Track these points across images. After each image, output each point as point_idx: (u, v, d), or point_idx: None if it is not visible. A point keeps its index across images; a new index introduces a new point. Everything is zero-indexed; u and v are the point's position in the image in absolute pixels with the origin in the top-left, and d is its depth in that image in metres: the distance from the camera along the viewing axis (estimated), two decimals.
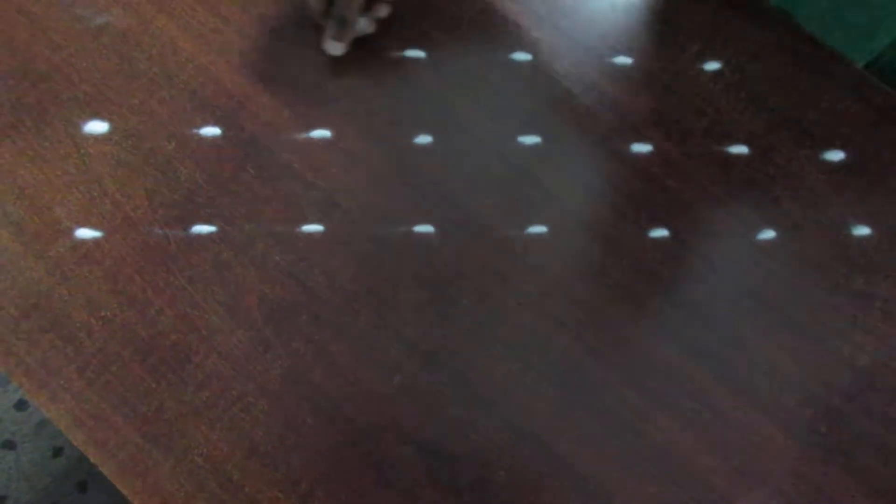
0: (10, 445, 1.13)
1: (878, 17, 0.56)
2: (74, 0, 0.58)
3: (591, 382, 0.50)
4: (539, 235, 0.53)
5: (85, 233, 0.52)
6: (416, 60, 0.57)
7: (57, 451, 1.12)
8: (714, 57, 0.57)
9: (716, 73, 0.57)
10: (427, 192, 0.54)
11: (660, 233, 0.53)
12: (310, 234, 0.53)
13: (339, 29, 0.54)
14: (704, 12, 0.58)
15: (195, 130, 0.55)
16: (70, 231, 0.52)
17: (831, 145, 0.55)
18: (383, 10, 0.57)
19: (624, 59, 0.57)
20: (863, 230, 0.53)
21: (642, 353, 0.51)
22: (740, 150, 0.55)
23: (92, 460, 0.48)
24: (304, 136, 0.55)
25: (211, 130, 0.55)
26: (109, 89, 0.56)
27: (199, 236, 0.52)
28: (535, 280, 0.52)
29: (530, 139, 0.55)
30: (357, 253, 0.52)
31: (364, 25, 0.56)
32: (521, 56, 0.57)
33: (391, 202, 0.54)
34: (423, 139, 0.55)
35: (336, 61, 0.56)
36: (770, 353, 0.51)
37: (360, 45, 0.57)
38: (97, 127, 0.55)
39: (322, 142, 0.55)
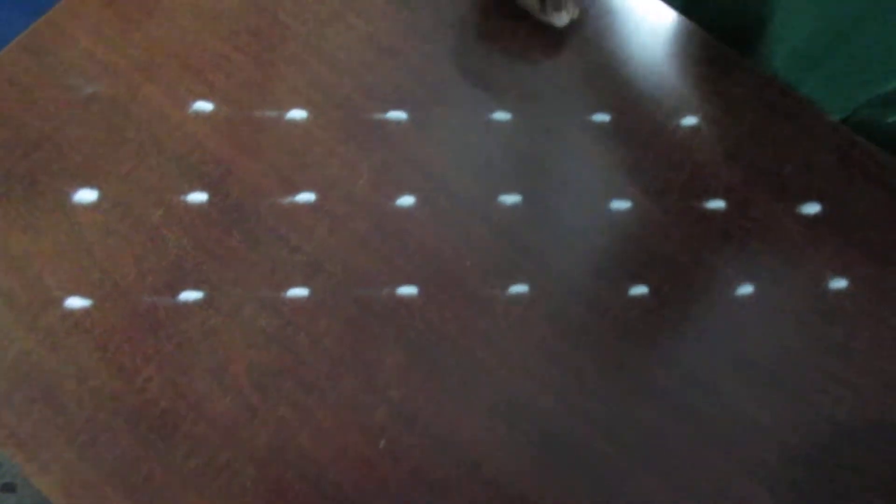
0: (10, 488, 1.14)
1: (853, 73, 0.57)
2: (65, 70, 0.59)
3: (575, 442, 0.51)
4: (521, 295, 0.54)
5: (75, 302, 0.53)
6: (397, 122, 0.58)
7: None
8: (691, 112, 0.58)
9: (693, 128, 0.58)
10: (410, 254, 0.55)
11: (640, 290, 0.54)
12: (295, 298, 0.54)
13: (557, 2, 0.57)
14: (681, 67, 0.59)
15: (182, 197, 0.56)
16: (60, 300, 0.53)
17: (807, 198, 0.56)
18: None
19: (602, 116, 0.58)
20: (840, 283, 0.54)
21: (624, 411, 0.51)
22: (718, 204, 0.56)
23: None
24: (289, 200, 0.56)
25: (198, 196, 0.56)
26: (99, 157, 0.57)
27: (187, 303, 0.53)
28: (517, 340, 0.53)
29: (511, 198, 0.56)
30: (342, 316, 0.53)
31: (572, 7, 0.58)
32: (501, 115, 0.58)
33: (375, 264, 0.54)
34: (406, 200, 0.56)
35: (318, 124, 0.57)
36: (750, 409, 0.51)
37: (342, 107, 0.58)
38: (87, 196, 0.56)
39: (307, 205, 0.56)
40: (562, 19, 0.58)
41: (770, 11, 0.60)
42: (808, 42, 0.57)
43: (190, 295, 0.54)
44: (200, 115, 0.58)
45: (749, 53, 0.60)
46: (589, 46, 0.60)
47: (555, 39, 0.60)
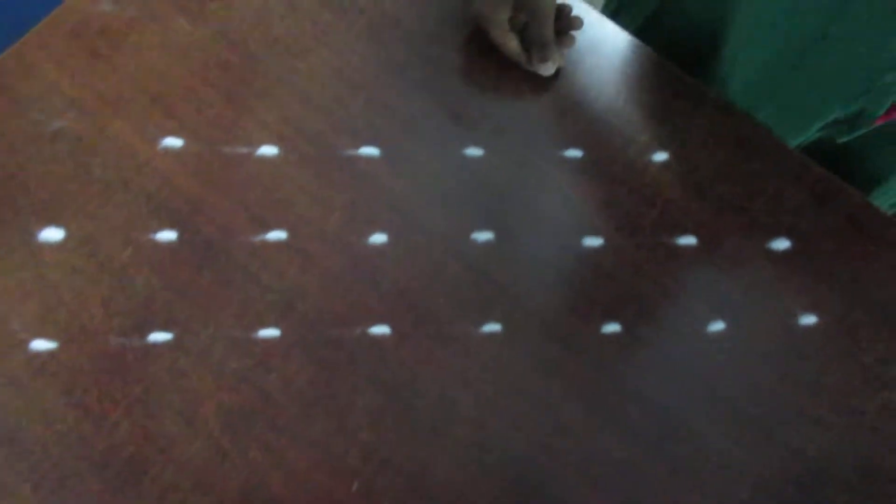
0: None
1: (807, 100, 0.58)
2: (30, 104, 0.58)
3: (548, 480, 0.51)
4: (494, 333, 0.54)
5: (40, 344, 0.52)
6: (369, 158, 0.58)
7: None
8: (662, 147, 0.59)
9: (664, 164, 0.58)
10: (383, 293, 0.54)
11: (612, 327, 0.54)
12: (267, 339, 0.53)
13: (543, 51, 0.57)
14: (652, 103, 0.60)
15: (151, 235, 0.55)
16: (25, 343, 0.52)
17: (777, 233, 0.57)
18: (570, 42, 0.59)
19: (574, 152, 0.58)
20: (809, 319, 0.54)
21: (598, 449, 0.51)
22: (689, 240, 0.56)
23: None
24: (260, 238, 0.55)
25: (167, 235, 0.55)
26: (65, 195, 0.56)
27: (156, 344, 0.53)
28: (490, 379, 0.53)
29: (484, 235, 0.56)
30: (314, 356, 0.53)
31: (558, 57, 0.58)
32: (474, 151, 0.58)
33: (347, 303, 0.54)
34: (379, 238, 0.56)
35: (290, 160, 0.57)
36: (723, 446, 0.52)
37: (313, 143, 0.58)
38: (53, 234, 0.55)
39: (278, 243, 0.55)
40: (548, 69, 0.59)
41: (722, 42, 0.60)
42: (762, 72, 0.58)
43: (159, 336, 0.53)
44: (170, 152, 0.57)
45: (705, 79, 0.61)
46: (561, 81, 0.60)
47: (527, 75, 0.60)
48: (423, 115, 0.59)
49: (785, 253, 0.56)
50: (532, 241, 0.56)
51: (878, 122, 0.55)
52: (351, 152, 0.58)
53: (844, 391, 0.53)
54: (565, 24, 0.59)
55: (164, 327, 0.53)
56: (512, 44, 0.58)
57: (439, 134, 0.59)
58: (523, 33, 0.58)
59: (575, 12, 0.61)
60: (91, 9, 0.61)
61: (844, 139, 0.60)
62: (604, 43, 0.62)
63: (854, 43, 0.51)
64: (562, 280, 0.55)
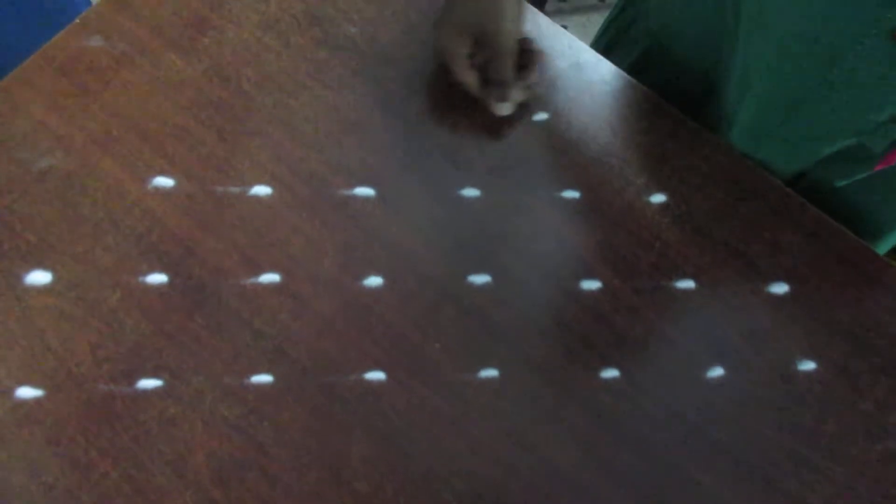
0: None
1: (803, 140, 0.58)
2: (17, 142, 0.57)
3: None
4: (491, 379, 0.53)
5: (26, 392, 0.51)
6: (364, 198, 0.57)
7: None
8: (660, 189, 0.58)
9: (662, 206, 0.58)
10: (377, 338, 0.53)
11: (611, 373, 0.53)
12: (259, 385, 0.52)
13: (501, 91, 0.57)
14: (649, 144, 0.59)
15: (141, 278, 0.54)
16: (10, 391, 0.51)
17: (776, 277, 0.56)
18: (532, 76, 0.58)
19: (572, 193, 0.58)
20: (808, 365, 0.54)
21: (595, 497, 0.51)
22: (688, 284, 0.56)
23: None
24: (252, 281, 0.54)
25: (157, 278, 0.54)
26: (53, 236, 0.55)
27: (146, 391, 0.51)
28: (487, 426, 0.52)
29: (480, 278, 0.55)
30: (307, 404, 0.52)
31: (520, 95, 0.58)
32: (471, 192, 0.58)
33: (341, 349, 0.53)
34: (373, 280, 0.55)
35: (283, 201, 0.56)
36: (722, 496, 0.51)
37: (308, 183, 0.57)
38: (40, 277, 0.54)
39: (271, 286, 0.54)
40: (504, 109, 0.58)
41: (716, 84, 0.60)
42: (760, 114, 0.58)
43: (148, 383, 0.52)
44: (160, 191, 0.56)
45: (700, 118, 0.61)
46: (558, 121, 0.60)
47: (523, 114, 0.60)
48: (419, 154, 0.58)
49: (784, 297, 0.56)
50: (529, 284, 0.55)
51: (878, 168, 0.55)
52: (346, 192, 0.57)
53: (844, 439, 0.52)
54: (527, 58, 0.58)
55: (154, 374, 0.52)
56: (471, 80, 0.57)
57: (436, 174, 0.58)
58: (484, 70, 0.57)
59: (570, 52, 0.60)
60: (80, 45, 0.59)
61: (843, 182, 0.60)
62: (600, 83, 0.61)
63: (855, 87, 0.51)
64: (559, 324, 0.54)
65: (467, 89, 0.57)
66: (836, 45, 0.49)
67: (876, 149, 0.55)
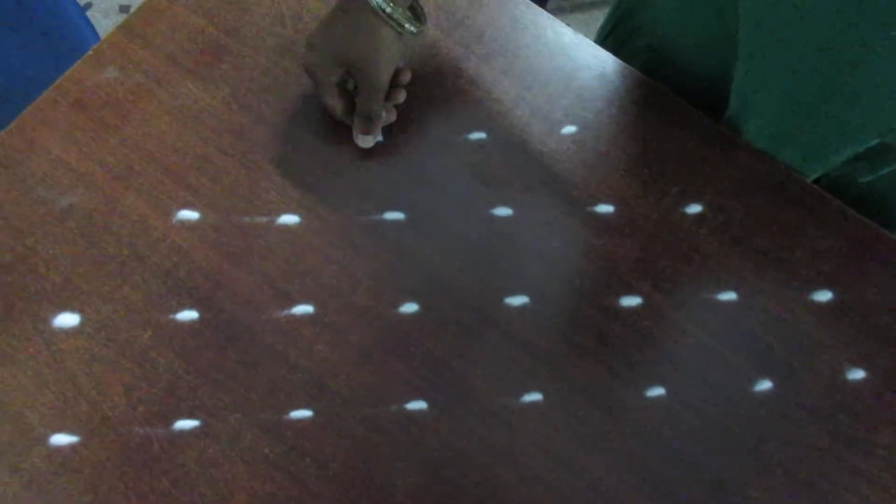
0: None
1: (823, 142, 0.57)
2: (36, 181, 0.55)
3: None
4: (535, 403, 0.52)
5: (61, 439, 0.50)
6: (395, 222, 0.56)
7: None
8: (695, 199, 0.57)
9: (699, 216, 0.56)
10: (416, 366, 0.52)
11: (656, 391, 0.52)
12: (298, 421, 0.51)
13: (367, 124, 0.55)
14: (681, 153, 0.58)
15: (171, 316, 0.53)
16: (44, 438, 0.50)
17: (818, 285, 0.55)
18: (401, 97, 0.57)
19: (606, 208, 0.56)
20: (857, 373, 0.53)
21: None
22: (729, 296, 0.54)
23: None
24: (285, 313, 0.53)
25: (188, 314, 0.53)
26: (78, 277, 0.53)
27: (183, 433, 0.50)
28: (534, 453, 0.51)
29: (518, 300, 0.54)
30: (349, 437, 0.51)
31: (386, 115, 0.56)
32: (502, 211, 0.56)
33: (380, 379, 0.52)
34: (409, 307, 0.54)
35: (312, 228, 0.55)
36: None
37: (336, 210, 0.56)
38: (67, 320, 0.52)
39: (304, 318, 0.53)
40: (366, 142, 0.56)
41: (729, 88, 0.58)
42: (778, 117, 0.56)
43: (185, 424, 0.50)
44: (185, 225, 0.55)
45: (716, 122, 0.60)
46: (587, 134, 0.59)
47: (552, 127, 0.58)
48: (448, 174, 0.57)
49: (827, 304, 0.54)
50: (568, 303, 0.54)
51: None
52: (376, 217, 0.56)
53: None
54: (398, 79, 0.57)
55: (190, 414, 0.51)
56: (336, 107, 0.56)
57: (466, 194, 0.57)
58: (353, 97, 0.56)
59: (595, 62, 0.59)
60: (95, 78, 0.58)
61: (867, 179, 0.59)
62: (627, 92, 0.60)
63: (876, 89, 0.50)
64: (601, 343, 0.53)
65: (331, 113, 0.56)
66: (852, 51, 0.47)
67: None
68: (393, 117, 0.57)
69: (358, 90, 0.55)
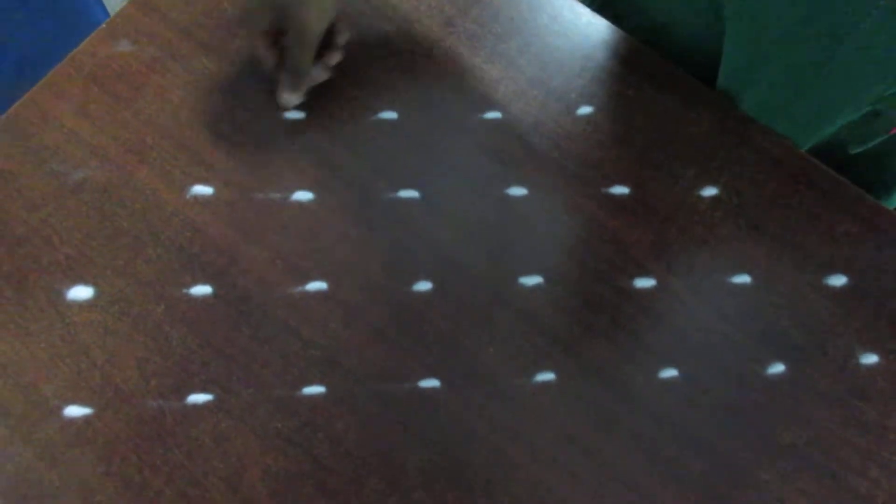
0: None
1: (822, 110, 0.56)
2: (50, 154, 0.55)
3: None
4: (548, 383, 0.52)
5: (74, 410, 0.50)
6: (409, 201, 0.56)
7: None
8: (710, 182, 0.57)
9: (714, 199, 0.56)
10: (429, 344, 0.52)
11: (669, 373, 0.52)
12: (311, 397, 0.51)
13: (294, 80, 0.54)
14: (697, 136, 0.58)
15: (185, 290, 0.53)
16: (58, 409, 0.50)
17: (833, 269, 0.55)
18: (335, 58, 0.56)
19: (621, 189, 0.56)
20: (870, 358, 0.53)
21: (662, 502, 0.50)
22: (744, 279, 0.54)
23: None
24: (299, 289, 0.53)
25: (201, 289, 0.53)
26: (92, 250, 0.53)
27: (196, 406, 0.50)
28: (545, 432, 0.51)
29: (532, 280, 0.54)
30: (361, 414, 0.51)
31: (317, 73, 0.55)
32: (517, 190, 0.56)
33: (394, 357, 0.52)
34: (423, 286, 0.54)
35: (326, 206, 0.55)
36: (788, 495, 0.50)
37: (351, 187, 0.56)
38: (81, 293, 0.52)
39: (318, 295, 0.53)
40: (289, 101, 0.55)
41: (724, 64, 0.58)
42: (769, 92, 0.56)
43: (199, 398, 0.50)
44: (199, 200, 0.55)
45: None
46: (602, 115, 0.58)
47: (568, 108, 0.58)
48: (463, 153, 0.57)
49: (842, 289, 0.54)
50: (582, 284, 0.54)
51: (893, 132, 0.54)
52: (390, 195, 0.56)
53: None
54: (331, 38, 0.55)
55: (203, 388, 0.51)
56: (265, 58, 0.54)
57: (480, 173, 0.56)
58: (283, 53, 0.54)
59: (610, 43, 0.58)
60: (108, 51, 0.58)
61: (858, 150, 0.59)
62: (643, 74, 0.60)
63: (865, 61, 0.50)
64: (615, 324, 0.53)
65: (261, 66, 0.55)
66: (837, 24, 0.47)
67: (891, 113, 0.54)
68: (324, 76, 0.56)
69: (286, 41, 0.53)
